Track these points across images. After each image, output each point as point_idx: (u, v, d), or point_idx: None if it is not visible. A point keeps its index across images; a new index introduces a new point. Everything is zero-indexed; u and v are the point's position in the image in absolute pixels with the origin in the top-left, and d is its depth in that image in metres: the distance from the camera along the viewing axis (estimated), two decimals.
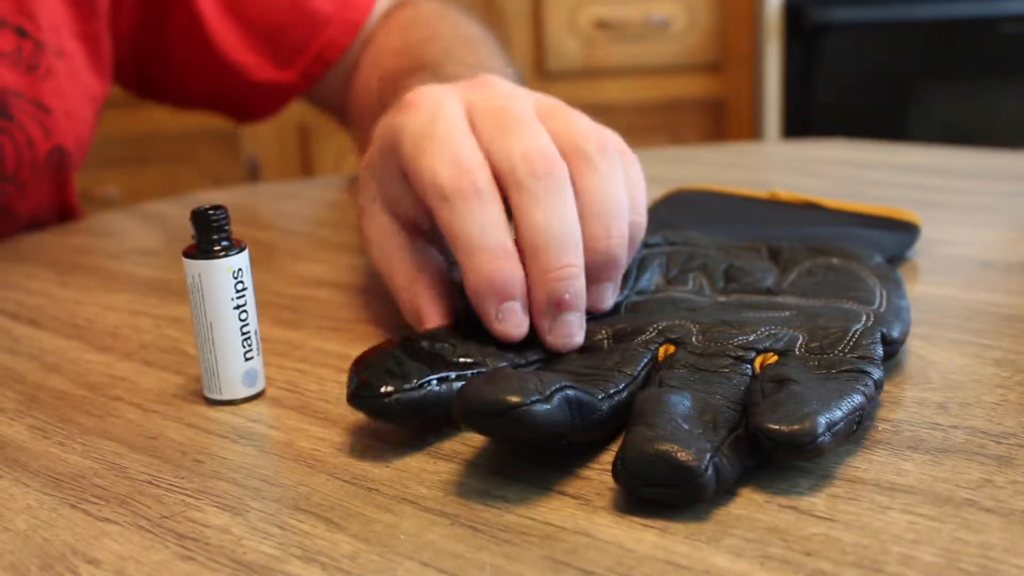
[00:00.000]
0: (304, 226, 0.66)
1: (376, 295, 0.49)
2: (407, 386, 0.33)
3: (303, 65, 0.69)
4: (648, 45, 1.98)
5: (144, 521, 0.31)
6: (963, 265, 0.49)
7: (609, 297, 0.38)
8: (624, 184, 0.38)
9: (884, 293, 0.40)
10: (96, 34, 0.64)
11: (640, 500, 0.29)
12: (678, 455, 0.28)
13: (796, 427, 0.29)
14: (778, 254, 0.44)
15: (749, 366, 0.34)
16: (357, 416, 0.37)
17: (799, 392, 0.31)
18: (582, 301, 0.37)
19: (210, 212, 0.37)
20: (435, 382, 0.34)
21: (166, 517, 0.31)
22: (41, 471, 0.34)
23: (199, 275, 0.37)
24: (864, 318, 0.37)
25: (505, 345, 0.37)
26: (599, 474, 0.32)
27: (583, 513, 0.30)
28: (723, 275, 0.43)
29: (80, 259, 0.59)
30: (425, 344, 0.36)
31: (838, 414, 0.30)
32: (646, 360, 0.35)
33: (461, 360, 0.35)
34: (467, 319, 0.38)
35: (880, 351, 0.35)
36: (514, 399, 0.29)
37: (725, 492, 0.30)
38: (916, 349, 0.39)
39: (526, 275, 0.36)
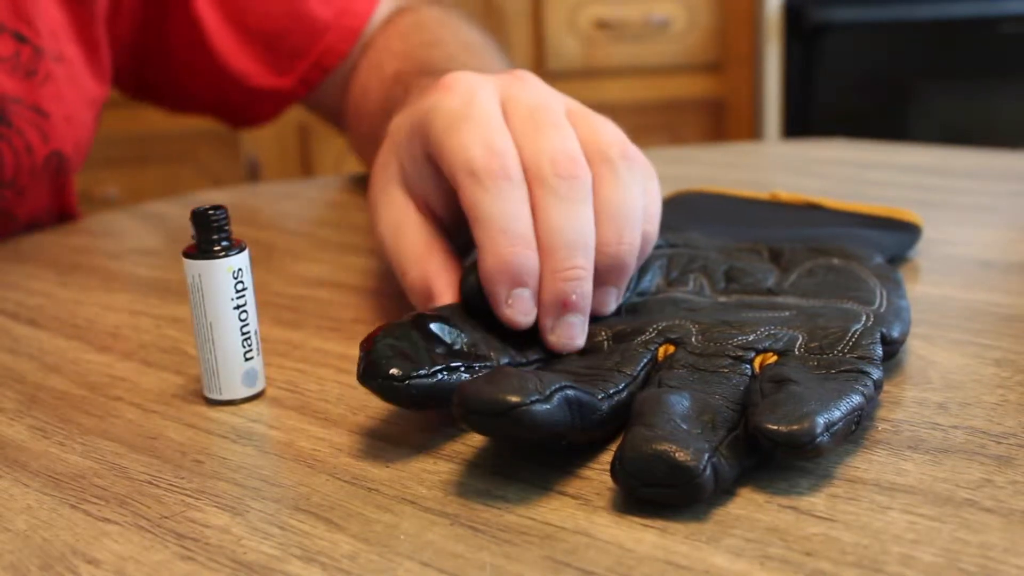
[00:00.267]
0: (304, 226, 0.66)
1: (376, 295, 0.49)
2: (420, 372, 0.33)
3: (302, 71, 0.69)
4: (648, 45, 1.98)
5: (144, 521, 0.31)
6: (963, 265, 0.49)
7: (612, 302, 0.39)
8: (641, 194, 0.39)
9: (884, 293, 0.40)
10: (95, 38, 0.64)
11: (640, 500, 0.29)
12: (676, 455, 0.28)
13: (795, 427, 0.29)
14: (779, 255, 0.44)
15: (748, 366, 0.34)
16: (357, 416, 0.37)
17: (798, 392, 0.31)
18: (587, 305, 0.37)
19: (210, 212, 0.37)
20: (445, 372, 0.34)
21: (166, 517, 0.31)
22: (41, 471, 0.34)
23: (199, 275, 0.37)
24: (864, 318, 0.37)
25: (507, 341, 0.37)
26: (599, 474, 0.32)
27: (583, 513, 0.30)
28: (724, 276, 0.43)
29: (80, 259, 0.59)
30: (436, 327, 0.35)
31: (837, 414, 0.30)
32: (646, 360, 0.35)
33: (469, 350, 0.35)
34: (475, 311, 0.38)
35: (880, 351, 0.35)
36: (514, 399, 0.29)
37: (724, 492, 0.30)
38: (916, 349, 0.39)
39: None
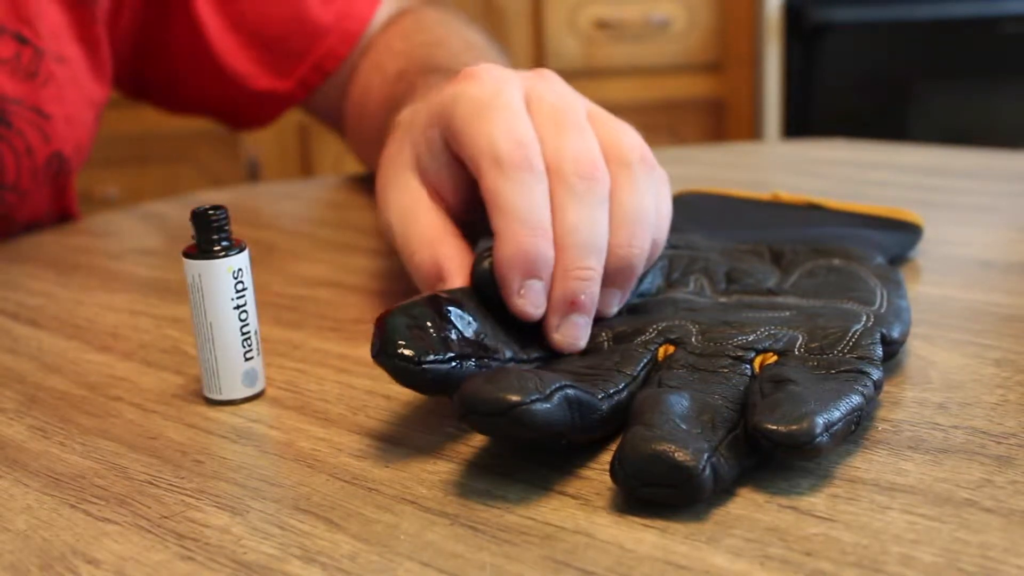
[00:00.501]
0: (304, 226, 0.66)
1: (376, 295, 0.49)
2: (436, 357, 0.33)
3: (301, 74, 0.69)
4: (648, 45, 1.98)
5: (144, 521, 0.31)
6: (963, 265, 0.49)
7: (615, 304, 0.39)
8: (655, 200, 0.39)
9: (885, 293, 0.40)
10: (96, 39, 0.64)
11: (640, 500, 0.29)
12: (676, 455, 0.28)
13: (794, 427, 0.29)
14: (780, 256, 0.44)
15: (748, 366, 0.34)
16: (357, 416, 0.37)
17: (797, 392, 0.31)
18: (594, 307, 0.37)
19: (210, 212, 0.37)
20: (457, 360, 0.33)
21: (166, 517, 0.31)
22: (41, 471, 0.34)
23: (199, 275, 0.37)
24: (864, 318, 0.37)
25: (511, 334, 0.36)
26: (599, 474, 0.32)
27: (583, 513, 0.30)
28: (724, 277, 0.43)
29: (80, 259, 0.59)
30: (450, 310, 0.35)
31: (836, 414, 0.30)
32: (646, 360, 0.35)
33: (477, 338, 0.35)
34: (483, 298, 0.37)
35: (880, 351, 0.35)
36: (514, 398, 0.29)
37: (723, 492, 0.30)
38: (916, 349, 0.39)
39: None
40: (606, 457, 0.32)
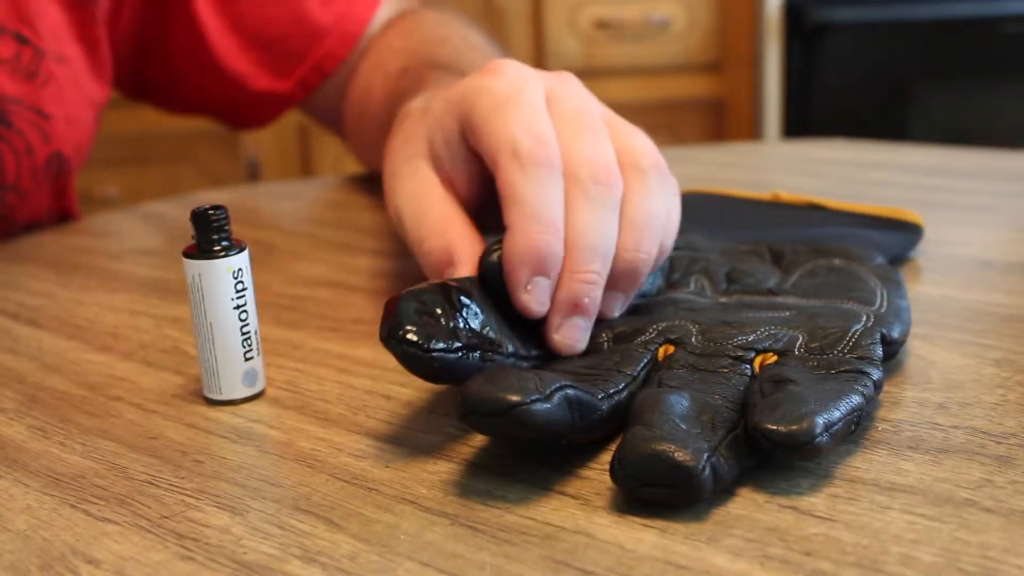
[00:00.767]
0: (304, 226, 0.66)
1: (376, 295, 0.49)
2: (444, 346, 0.33)
3: (301, 75, 0.69)
4: (648, 45, 1.98)
5: (144, 521, 0.31)
6: (963, 265, 0.49)
7: (617, 308, 0.39)
8: (665, 207, 0.39)
9: (885, 294, 0.40)
10: (96, 39, 0.64)
11: (640, 500, 0.29)
12: (675, 455, 0.28)
13: (794, 427, 0.29)
14: (780, 256, 0.44)
15: (748, 366, 0.34)
16: (357, 416, 0.37)
17: (797, 392, 0.31)
18: (595, 311, 0.37)
19: (210, 212, 0.37)
20: (465, 351, 0.33)
21: (166, 517, 0.31)
22: (41, 471, 0.34)
23: (199, 275, 0.37)
24: (864, 318, 0.37)
25: (514, 331, 0.36)
26: (599, 474, 0.32)
27: (583, 513, 0.30)
28: (725, 278, 0.43)
29: (80, 259, 0.59)
30: (460, 298, 0.35)
31: (836, 414, 0.30)
32: (646, 360, 0.35)
33: (483, 330, 0.34)
34: (489, 290, 0.37)
35: (880, 351, 0.35)
36: (514, 398, 0.29)
37: (723, 492, 0.30)
38: (916, 349, 0.39)
39: None
40: (606, 457, 0.32)
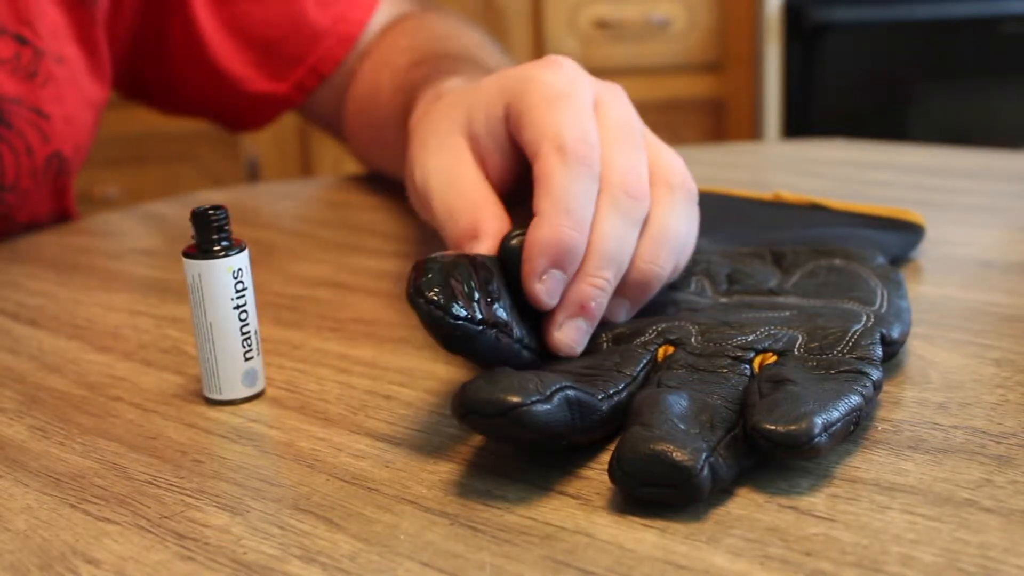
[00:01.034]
0: (304, 226, 0.66)
1: (376, 295, 0.49)
2: (468, 315, 0.32)
3: (298, 77, 0.69)
4: (648, 45, 1.98)
5: (144, 521, 0.31)
6: (963, 265, 0.49)
7: (622, 315, 0.39)
8: (688, 228, 0.40)
9: (885, 294, 0.40)
10: (95, 40, 0.64)
11: (639, 500, 0.29)
12: (674, 455, 0.28)
13: (792, 427, 0.29)
14: (781, 258, 0.44)
15: (748, 366, 0.34)
16: (357, 416, 0.37)
17: (796, 392, 0.31)
18: (598, 318, 0.37)
19: (210, 212, 0.37)
20: (484, 326, 0.33)
21: (166, 517, 0.31)
22: (41, 471, 0.34)
23: (199, 275, 0.37)
24: (864, 318, 0.37)
25: (522, 320, 0.36)
26: (599, 474, 0.32)
27: (583, 513, 0.30)
28: (726, 279, 0.43)
29: (80, 259, 0.59)
30: (485, 275, 0.35)
31: (835, 415, 0.30)
32: (645, 361, 0.35)
33: (500, 313, 0.34)
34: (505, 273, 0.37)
35: (879, 352, 0.35)
36: (514, 399, 0.29)
37: (722, 492, 0.30)
38: (916, 349, 0.39)
39: None
40: (606, 457, 0.32)
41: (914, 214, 0.51)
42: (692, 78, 2.00)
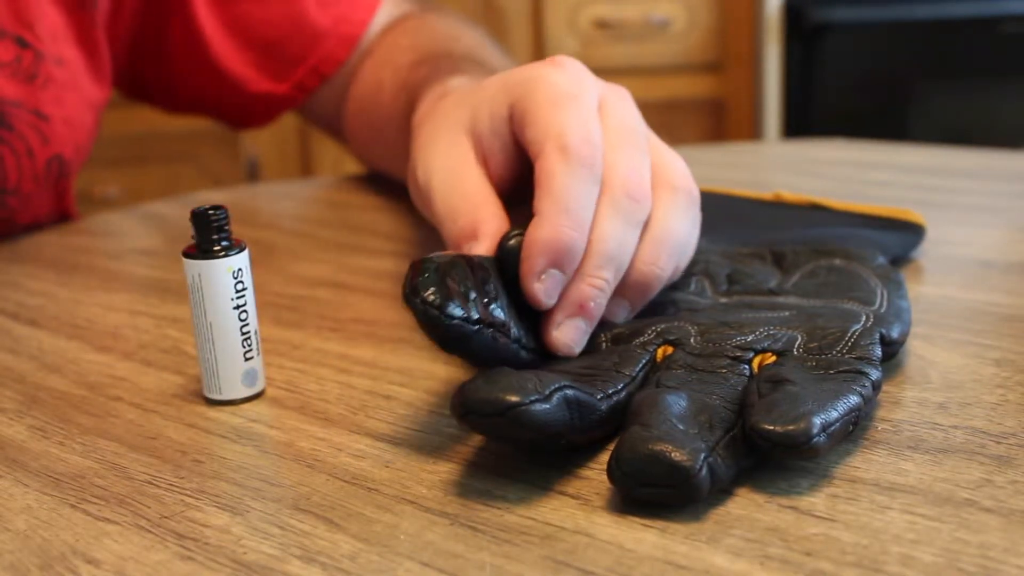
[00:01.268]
0: (304, 226, 0.66)
1: (376, 295, 0.49)
2: (464, 316, 0.32)
3: (299, 78, 0.69)
4: (648, 45, 1.98)
5: (144, 521, 0.31)
6: (963, 265, 0.49)
7: (621, 315, 0.39)
8: (689, 231, 0.40)
9: (885, 294, 0.40)
10: (95, 42, 0.64)
11: (639, 500, 0.29)
12: (672, 455, 0.28)
13: (791, 427, 0.29)
14: (782, 258, 0.44)
15: (747, 366, 0.34)
16: (357, 416, 0.37)
17: (795, 392, 0.31)
18: (597, 317, 0.37)
19: (210, 212, 0.37)
20: (480, 325, 0.33)
21: (166, 517, 0.31)
22: (41, 471, 0.34)
23: (199, 275, 0.37)
24: (864, 319, 0.37)
25: (519, 321, 0.36)
26: (599, 474, 0.32)
27: (583, 513, 0.30)
28: (726, 279, 0.43)
29: (80, 259, 0.59)
30: (483, 275, 0.35)
31: (834, 415, 0.30)
32: (644, 361, 0.35)
33: (497, 314, 0.34)
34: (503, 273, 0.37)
35: (879, 352, 0.35)
36: (513, 398, 0.29)
37: (722, 492, 0.30)
38: (916, 349, 0.39)
39: None
40: (606, 457, 0.32)
41: (915, 214, 0.51)
42: (692, 78, 2.00)
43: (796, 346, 0.35)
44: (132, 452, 0.35)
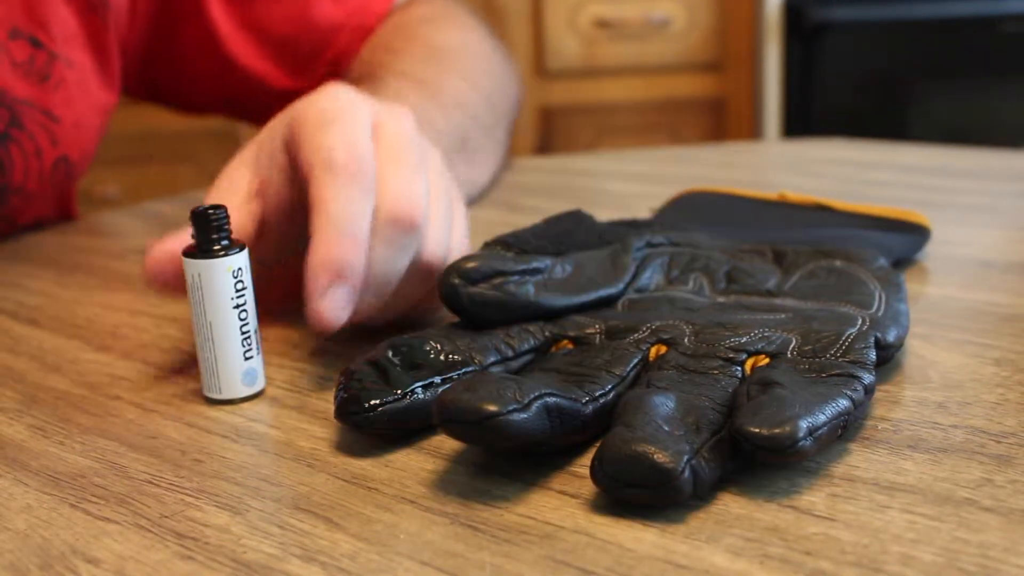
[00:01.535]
0: None
1: None
2: (389, 398, 0.34)
3: (319, 73, 0.69)
4: (648, 45, 1.98)
5: (144, 521, 0.31)
6: (963, 265, 0.49)
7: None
8: (445, 238, 0.41)
9: (883, 297, 0.39)
10: (106, 46, 0.64)
11: (623, 501, 0.29)
12: (655, 456, 0.28)
13: (776, 430, 0.29)
14: (782, 257, 0.44)
15: (739, 368, 0.34)
16: None
17: (783, 395, 0.30)
18: (356, 293, 0.37)
19: (210, 212, 0.37)
20: (419, 389, 0.34)
21: (166, 517, 0.31)
22: (41, 471, 0.34)
23: (199, 275, 0.37)
24: (859, 322, 0.37)
25: (495, 338, 0.36)
26: None
27: (583, 513, 0.30)
28: (725, 277, 0.43)
29: (80, 259, 0.59)
30: (408, 346, 0.36)
31: (821, 418, 0.30)
32: (636, 360, 0.35)
33: (448, 359, 0.35)
34: (463, 312, 0.38)
35: (873, 356, 0.34)
36: (491, 408, 0.29)
37: (721, 491, 0.30)
38: (916, 349, 0.39)
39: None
40: None
41: (920, 215, 0.50)
42: (692, 78, 2.01)
43: (790, 349, 0.35)
44: (132, 451, 0.35)
